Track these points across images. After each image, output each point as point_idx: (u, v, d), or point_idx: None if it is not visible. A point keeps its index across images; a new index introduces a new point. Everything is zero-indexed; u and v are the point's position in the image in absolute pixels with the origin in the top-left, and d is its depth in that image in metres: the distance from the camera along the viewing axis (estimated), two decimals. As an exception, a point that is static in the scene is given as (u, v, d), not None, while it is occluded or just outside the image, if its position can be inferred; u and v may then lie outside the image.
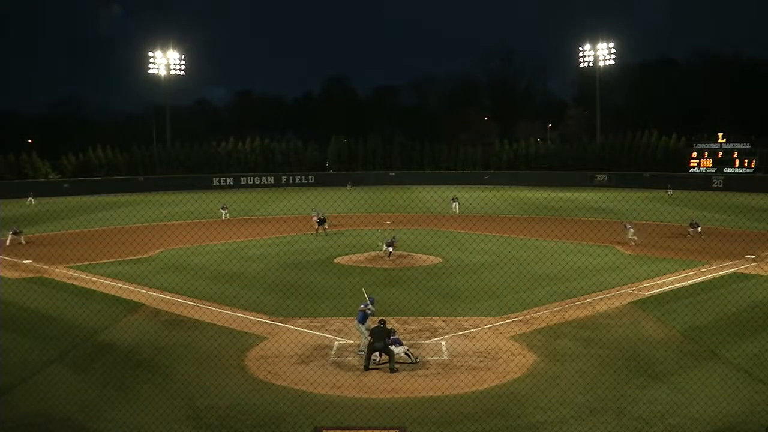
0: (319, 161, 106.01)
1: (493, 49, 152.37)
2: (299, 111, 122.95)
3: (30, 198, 73.15)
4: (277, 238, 41.41)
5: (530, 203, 63.36)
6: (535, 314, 22.41)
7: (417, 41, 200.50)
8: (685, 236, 39.88)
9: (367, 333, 18.44)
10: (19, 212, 56.27)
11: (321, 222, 42.88)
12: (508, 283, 26.58)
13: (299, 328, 20.90)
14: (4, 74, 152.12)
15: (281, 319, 22.03)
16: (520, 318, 21.96)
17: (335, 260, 33.08)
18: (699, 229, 39.95)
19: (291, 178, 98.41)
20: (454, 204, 56.07)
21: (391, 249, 33.30)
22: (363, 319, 18.92)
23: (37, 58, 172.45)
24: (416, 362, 17.54)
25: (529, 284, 26.98)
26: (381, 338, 17.41)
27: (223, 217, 52.40)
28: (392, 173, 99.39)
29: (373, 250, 35.43)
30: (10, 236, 40.14)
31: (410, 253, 34.15)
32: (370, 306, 19.14)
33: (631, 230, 38.17)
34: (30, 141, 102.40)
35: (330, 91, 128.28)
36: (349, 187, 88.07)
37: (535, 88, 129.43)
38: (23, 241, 39.93)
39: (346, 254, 34.61)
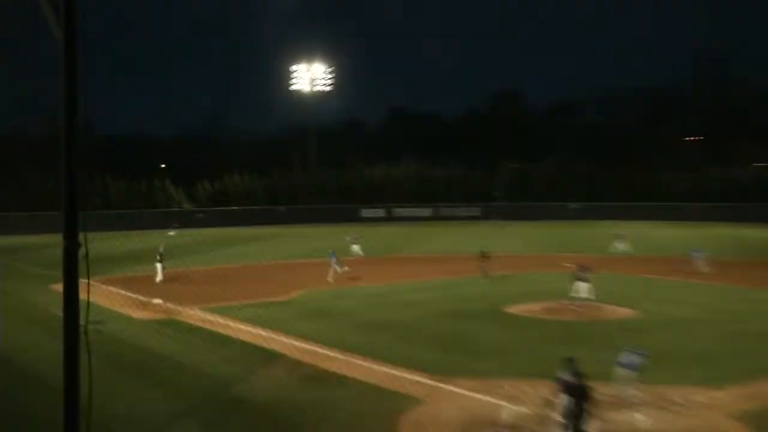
0: (485, 190, 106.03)
1: (702, 54, 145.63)
2: (461, 132, 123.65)
3: (174, 229, 76.35)
4: (435, 281, 41.23)
5: (750, 244, 60.42)
6: (762, 386, 20.71)
7: (602, 46, 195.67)
8: None
9: None
10: (155, 245, 59.80)
11: (484, 258, 42.31)
12: (725, 345, 25.00)
13: (462, 391, 20.46)
14: (134, 95, 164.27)
15: (440, 378, 21.68)
16: (742, 390, 20.35)
17: (504, 309, 32.55)
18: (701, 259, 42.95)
19: (452, 209, 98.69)
20: (619, 244, 53.43)
21: (585, 288, 32.31)
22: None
23: (169, 76, 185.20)
24: None
25: (753, 346, 25.13)
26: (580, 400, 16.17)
27: (355, 252, 51.55)
28: (574, 205, 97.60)
29: (552, 299, 34.45)
30: (157, 267, 41.52)
31: (597, 303, 32.80)
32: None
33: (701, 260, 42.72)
34: (163, 166, 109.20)
35: (497, 109, 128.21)
36: (501, 223, 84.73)
37: (758, 101, 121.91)
38: (161, 275, 41.37)
39: (517, 302, 33.89)
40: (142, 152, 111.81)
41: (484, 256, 42.47)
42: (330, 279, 40.52)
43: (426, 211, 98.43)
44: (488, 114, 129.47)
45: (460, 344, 25.89)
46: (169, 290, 38.27)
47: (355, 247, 52.77)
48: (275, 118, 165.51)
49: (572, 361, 17.80)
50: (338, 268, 41.25)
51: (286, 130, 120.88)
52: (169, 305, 34.27)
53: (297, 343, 26.47)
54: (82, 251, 5.83)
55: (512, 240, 60.62)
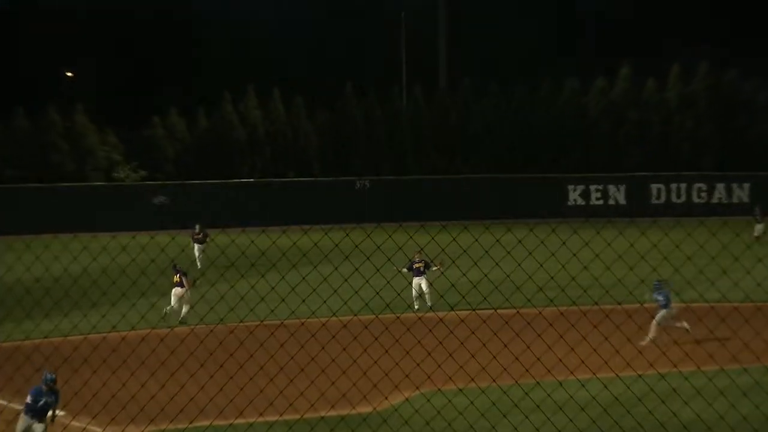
0: None
1: None
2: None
3: (197, 239, 76.77)
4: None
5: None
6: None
7: None
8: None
9: None
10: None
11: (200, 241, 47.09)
12: None
13: None
14: None
15: None
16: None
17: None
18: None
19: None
20: None
21: None
22: None
23: None
24: None
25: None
26: None
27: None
28: None
29: None
30: (176, 287, 54.30)
31: None
32: None
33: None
34: (69, 76, 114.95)
35: None
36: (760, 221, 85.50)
37: None
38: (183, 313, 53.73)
39: None
40: (20, 43, 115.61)
41: None
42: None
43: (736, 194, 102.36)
44: None
45: None
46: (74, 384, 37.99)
47: (422, 284, 57.88)
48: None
49: None
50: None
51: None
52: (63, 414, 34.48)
53: None
54: None
55: None
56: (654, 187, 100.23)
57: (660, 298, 46.19)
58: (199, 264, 73.78)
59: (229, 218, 75.77)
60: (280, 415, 34.75)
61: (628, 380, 36.98)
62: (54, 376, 32.88)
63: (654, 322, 46.73)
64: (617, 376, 37.09)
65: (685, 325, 46.51)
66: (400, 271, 53.77)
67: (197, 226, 76.14)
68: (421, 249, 54.17)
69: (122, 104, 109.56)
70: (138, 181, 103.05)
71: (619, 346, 37.74)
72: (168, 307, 53.99)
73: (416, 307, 55.33)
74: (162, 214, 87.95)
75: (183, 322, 52.61)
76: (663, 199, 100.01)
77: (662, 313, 46.19)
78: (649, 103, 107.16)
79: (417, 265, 56.78)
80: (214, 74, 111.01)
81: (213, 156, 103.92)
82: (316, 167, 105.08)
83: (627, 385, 35.87)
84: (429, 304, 55.64)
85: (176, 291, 54.05)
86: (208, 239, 75.13)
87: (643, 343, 44.61)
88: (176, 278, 54.03)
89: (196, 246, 75.70)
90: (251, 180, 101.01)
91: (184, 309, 53.64)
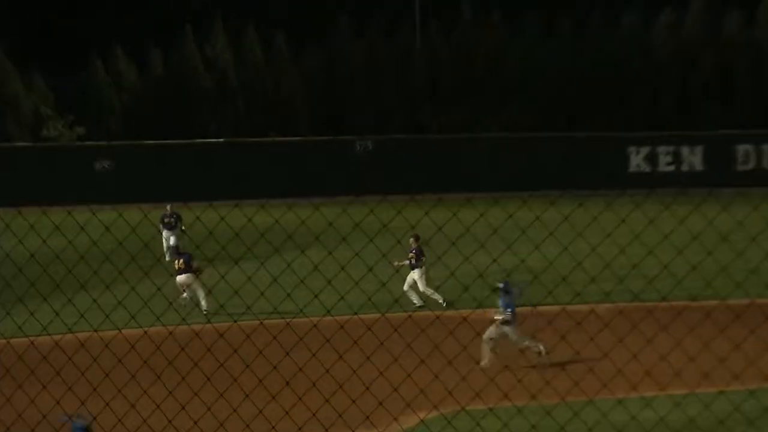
0: None
1: None
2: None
3: (167, 224, 78.87)
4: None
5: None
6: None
7: None
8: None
9: None
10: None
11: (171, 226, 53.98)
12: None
13: None
14: None
15: None
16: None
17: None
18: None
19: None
20: None
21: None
22: None
23: None
24: None
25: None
26: None
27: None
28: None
29: None
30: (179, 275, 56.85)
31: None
32: None
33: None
34: None
35: None
36: None
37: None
38: (204, 304, 56.07)
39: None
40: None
41: None
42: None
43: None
44: None
45: None
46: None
47: (414, 278, 58.78)
48: None
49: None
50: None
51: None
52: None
53: None
54: None
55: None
56: (740, 148, 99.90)
57: (501, 305, 46.02)
58: (167, 256, 73.66)
59: (192, 189, 74.69)
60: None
61: (707, 398, 36.69)
62: (87, 423, 28.80)
63: (485, 336, 46.99)
64: (692, 392, 36.67)
65: (541, 347, 46.43)
66: (400, 266, 56.44)
67: (168, 207, 76.06)
68: (417, 235, 56.92)
69: (53, 41, 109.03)
70: (74, 141, 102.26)
71: (694, 352, 37.16)
72: (182, 298, 56.43)
73: (415, 303, 56.77)
74: (105, 183, 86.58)
75: (207, 312, 54.07)
76: (751, 164, 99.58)
77: (502, 327, 46.12)
78: (733, 43, 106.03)
79: (410, 255, 57.82)
80: (172, 3, 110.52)
81: (171, 109, 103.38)
82: (304, 124, 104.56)
83: (705, 404, 35.52)
84: (417, 303, 57.02)
85: (180, 279, 56.20)
86: (180, 224, 75.19)
87: (482, 364, 45.35)
88: (179, 264, 56.07)
89: (165, 232, 76.28)
90: (220, 140, 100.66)
91: (201, 298, 55.80)
